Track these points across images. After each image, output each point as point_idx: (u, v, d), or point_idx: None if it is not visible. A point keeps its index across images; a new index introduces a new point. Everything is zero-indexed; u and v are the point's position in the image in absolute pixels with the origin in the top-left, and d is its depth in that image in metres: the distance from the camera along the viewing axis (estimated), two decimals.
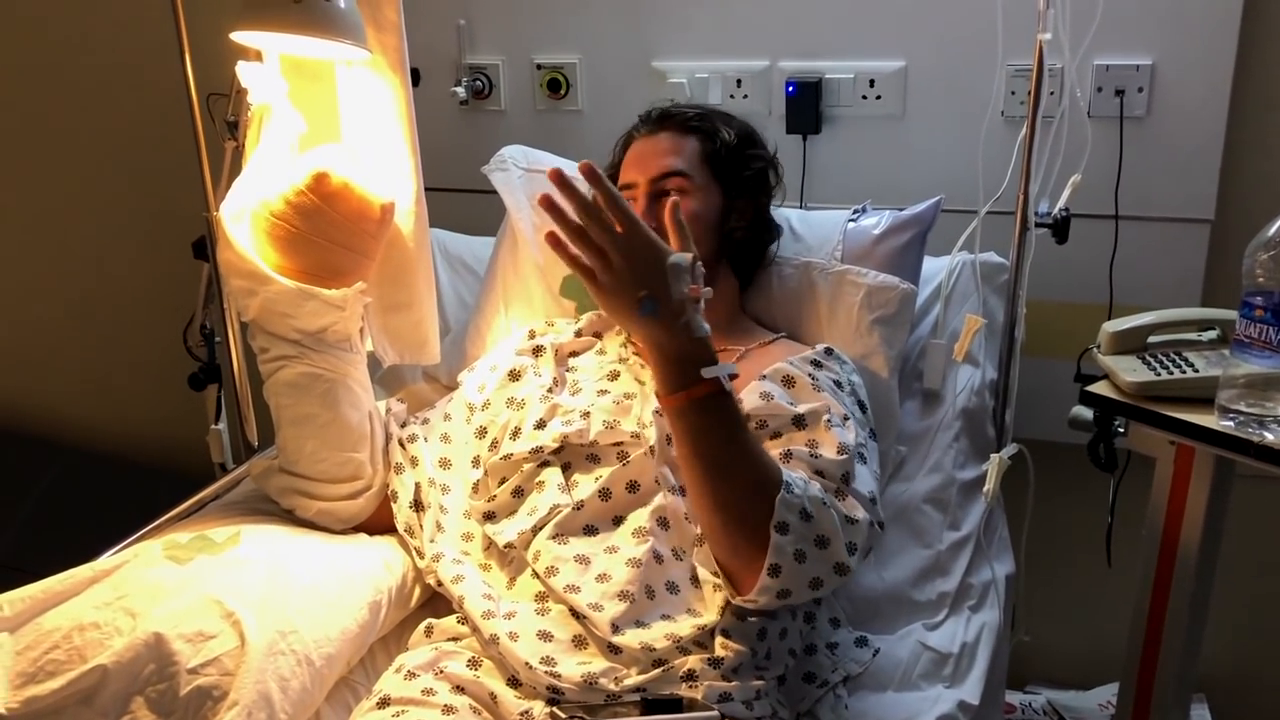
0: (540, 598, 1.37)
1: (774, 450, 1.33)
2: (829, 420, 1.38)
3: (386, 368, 1.75)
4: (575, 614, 1.33)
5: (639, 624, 1.30)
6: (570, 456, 1.49)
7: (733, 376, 1.25)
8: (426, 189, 1.62)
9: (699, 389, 1.22)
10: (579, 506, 1.41)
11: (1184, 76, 1.84)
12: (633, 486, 1.42)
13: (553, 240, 1.25)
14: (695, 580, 1.37)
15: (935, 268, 1.80)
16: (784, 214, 1.80)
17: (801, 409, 1.39)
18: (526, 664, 1.27)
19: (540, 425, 1.51)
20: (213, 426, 1.91)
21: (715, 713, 1.23)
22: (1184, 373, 1.51)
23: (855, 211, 1.79)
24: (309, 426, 1.47)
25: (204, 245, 1.80)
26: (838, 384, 1.48)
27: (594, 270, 1.22)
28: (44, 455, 2.64)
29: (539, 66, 2.15)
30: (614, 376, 1.59)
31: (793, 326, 1.70)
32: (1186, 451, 1.56)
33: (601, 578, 1.34)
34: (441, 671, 1.31)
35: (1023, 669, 2.20)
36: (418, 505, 1.53)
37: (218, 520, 1.47)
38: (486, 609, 1.35)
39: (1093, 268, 1.90)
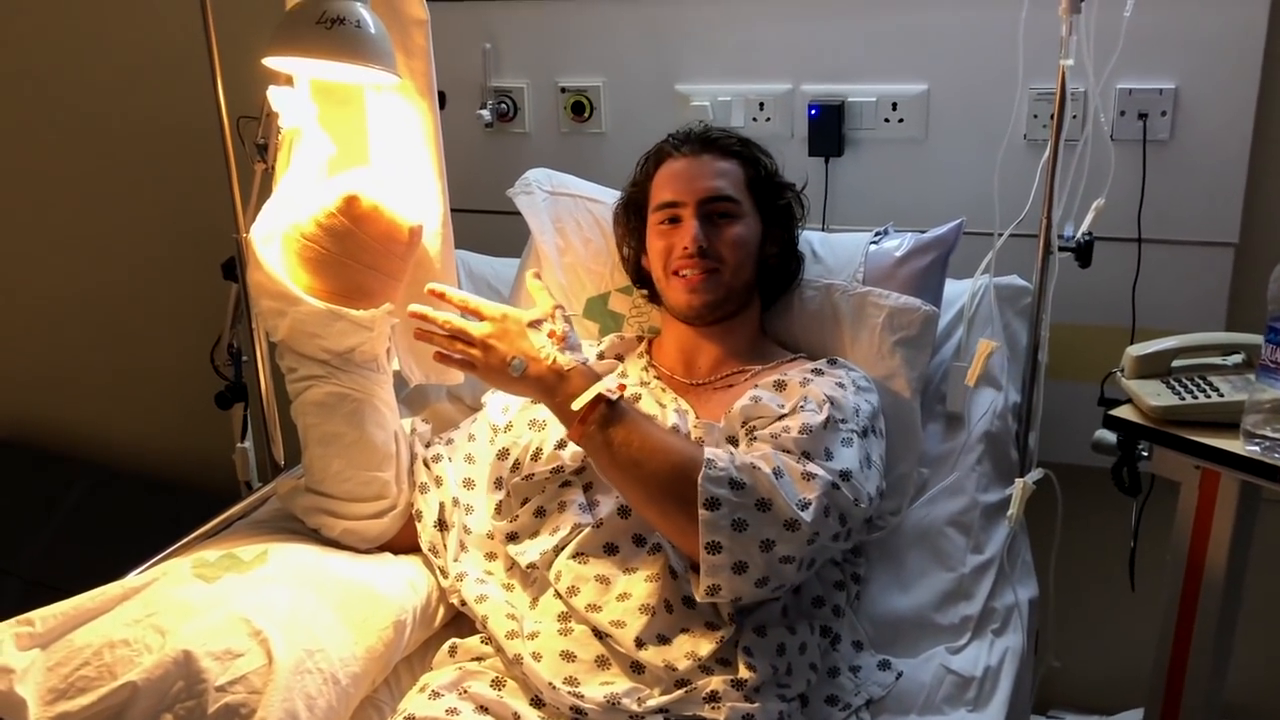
0: (563, 618, 1.37)
1: (754, 447, 1.36)
2: (802, 405, 1.42)
3: (411, 388, 1.77)
4: (598, 634, 1.34)
5: (661, 638, 1.31)
6: (591, 476, 1.50)
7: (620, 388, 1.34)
8: (451, 210, 1.64)
9: (586, 412, 1.31)
10: (599, 525, 1.42)
11: (1207, 100, 1.83)
12: None
13: (424, 338, 1.43)
14: None
15: (958, 291, 1.80)
16: (806, 236, 1.80)
17: (785, 408, 1.42)
18: (550, 684, 1.28)
19: (561, 445, 1.52)
20: (238, 445, 1.93)
21: None
22: (1209, 397, 1.51)
23: (877, 234, 1.80)
24: (335, 446, 1.49)
25: (233, 266, 1.82)
26: (839, 385, 1.49)
27: (469, 361, 1.39)
28: (72, 472, 2.66)
29: (563, 90, 2.17)
30: (635, 400, 1.60)
31: (814, 348, 1.71)
32: (1211, 476, 1.55)
33: (622, 596, 1.35)
34: (465, 691, 1.32)
35: (1047, 693, 2.18)
36: (442, 525, 1.54)
37: (245, 539, 1.48)
38: (510, 629, 1.35)
39: (1116, 291, 1.89)
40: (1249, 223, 1.87)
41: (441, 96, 1.63)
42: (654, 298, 1.74)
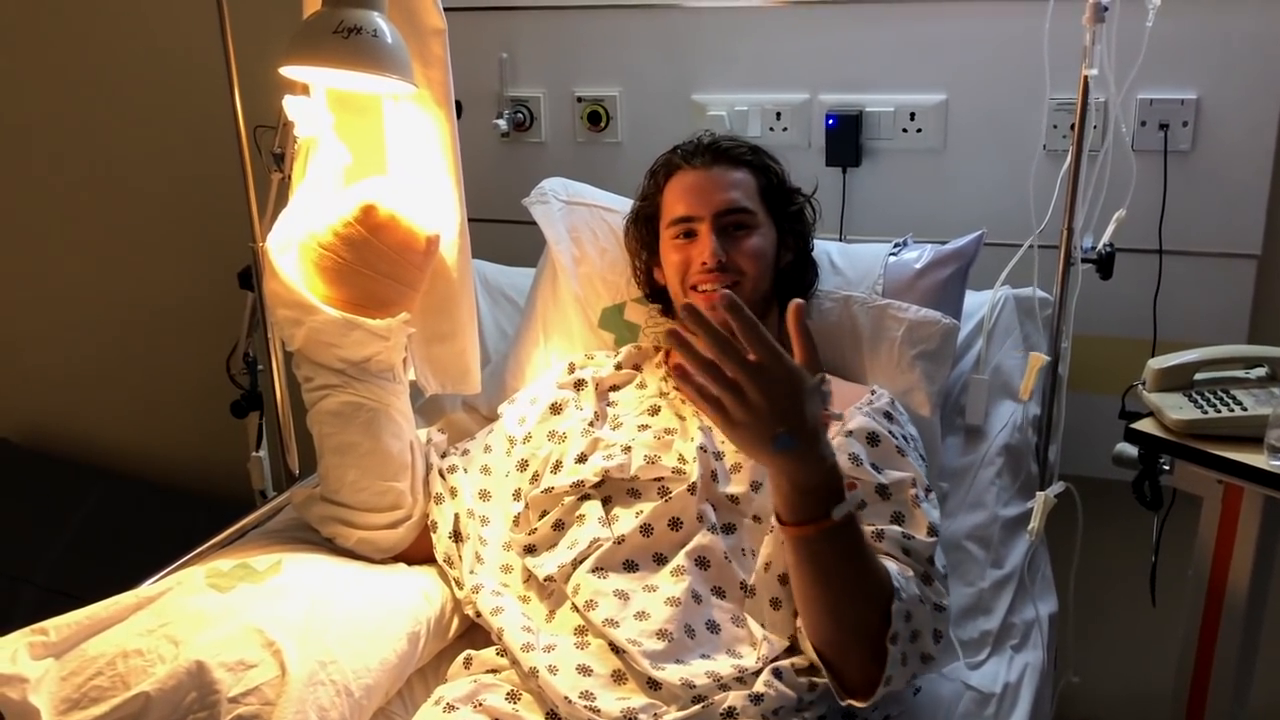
0: (580, 631, 1.36)
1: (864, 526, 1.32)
2: (916, 495, 1.37)
3: (427, 398, 1.76)
4: (615, 649, 1.32)
5: (679, 661, 1.29)
6: (611, 490, 1.49)
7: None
8: (468, 219, 1.63)
9: (828, 522, 1.15)
10: (620, 541, 1.41)
11: (1229, 110, 1.82)
12: (675, 524, 1.42)
13: (679, 372, 1.16)
14: (738, 621, 1.36)
15: (977, 302, 1.79)
16: (824, 247, 1.80)
17: (886, 478, 1.38)
18: (565, 698, 1.26)
19: (581, 459, 1.51)
20: (254, 454, 1.92)
21: None
22: (1231, 411, 1.50)
23: (896, 245, 1.78)
24: (351, 455, 1.49)
25: (249, 275, 1.82)
26: (906, 439, 1.48)
27: (726, 406, 1.10)
28: (88, 480, 2.67)
29: (579, 99, 2.17)
30: (654, 411, 1.59)
31: (833, 360, 1.69)
32: (1234, 491, 1.54)
33: (640, 615, 1.33)
34: (480, 704, 1.31)
35: (1066, 709, 2.16)
36: (457, 536, 1.53)
37: (259, 548, 1.48)
38: (526, 641, 1.34)
39: (1137, 303, 1.88)
40: (1272, 234, 1.85)
41: (458, 106, 1.63)
42: (668, 311, 1.73)
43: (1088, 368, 1.83)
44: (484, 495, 1.58)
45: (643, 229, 1.71)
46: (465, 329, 1.66)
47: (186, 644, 1.22)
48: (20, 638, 1.25)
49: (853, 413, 1.47)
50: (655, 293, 1.74)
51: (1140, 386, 1.60)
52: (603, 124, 2.16)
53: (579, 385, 1.66)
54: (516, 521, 1.54)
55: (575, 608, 1.38)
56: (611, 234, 1.84)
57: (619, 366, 1.71)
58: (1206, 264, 1.88)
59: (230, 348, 1.91)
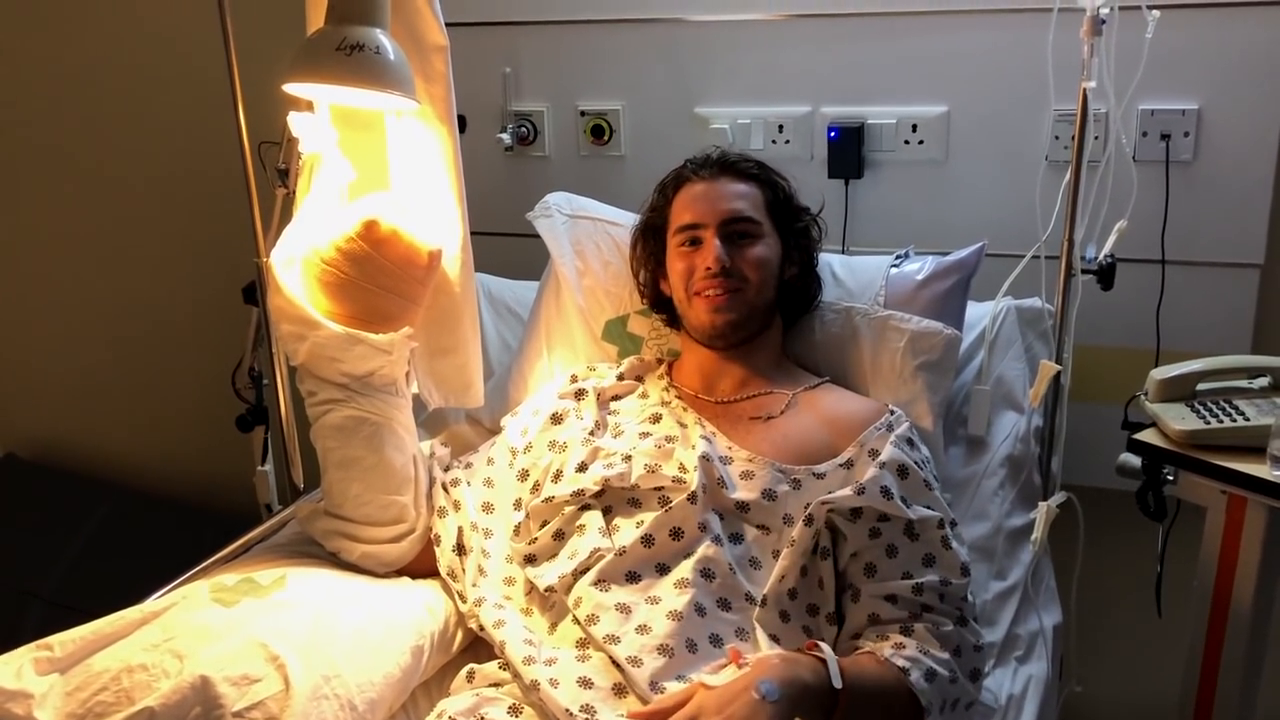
0: (581, 644, 1.36)
1: (895, 584, 1.37)
2: (945, 537, 1.41)
3: (430, 411, 1.77)
4: (616, 661, 1.33)
5: (679, 678, 1.29)
6: (611, 500, 1.50)
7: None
8: (471, 233, 1.64)
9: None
10: (621, 552, 1.41)
11: (1231, 120, 1.82)
12: (676, 533, 1.42)
13: None
14: (741, 634, 1.36)
15: (979, 313, 1.79)
16: (826, 259, 1.80)
17: (915, 514, 1.41)
18: (567, 711, 1.27)
19: (582, 468, 1.52)
20: (259, 468, 1.93)
21: None
22: (1234, 421, 1.49)
23: (898, 257, 1.79)
24: (354, 469, 1.49)
25: (254, 290, 1.83)
26: (922, 463, 1.49)
27: None
28: (94, 494, 2.67)
29: (583, 113, 2.18)
30: (656, 419, 1.59)
31: (836, 371, 1.70)
32: (1238, 501, 1.53)
33: (642, 629, 1.33)
34: (482, 717, 1.31)
35: None
36: (460, 549, 1.53)
37: (264, 562, 1.49)
38: (527, 654, 1.35)
39: (1140, 313, 1.88)
40: (1275, 244, 1.85)
41: (462, 121, 1.64)
42: (672, 322, 1.74)
43: (1091, 378, 1.83)
44: (487, 508, 1.59)
45: (650, 240, 1.72)
46: (468, 342, 1.67)
47: (191, 658, 1.22)
48: (25, 653, 1.25)
49: (869, 434, 1.50)
50: (660, 304, 1.75)
51: (1143, 397, 1.60)
52: (606, 137, 2.17)
53: (580, 395, 1.66)
54: (517, 531, 1.55)
55: (577, 620, 1.38)
56: (615, 247, 1.85)
57: (621, 377, 1.71)
58: (1209, 274, 1.87)
59: (235, 362, 1.92)
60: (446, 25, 1.56)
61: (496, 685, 1.37)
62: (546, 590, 1.44)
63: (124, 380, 2.73)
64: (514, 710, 1.32)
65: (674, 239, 1.66)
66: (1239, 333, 1.87)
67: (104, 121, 2.56)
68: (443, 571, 1.52)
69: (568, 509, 1.50)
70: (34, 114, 2.62)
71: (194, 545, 1.63)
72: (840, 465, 1.48)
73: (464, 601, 1.49)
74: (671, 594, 1.37)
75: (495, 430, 1.75)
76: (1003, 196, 1.93)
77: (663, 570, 1.41)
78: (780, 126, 2.05)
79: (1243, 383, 1.59)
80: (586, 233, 1.88)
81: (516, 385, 1.85)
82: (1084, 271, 1.64)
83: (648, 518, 1.44)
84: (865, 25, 1.98)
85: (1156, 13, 1.52)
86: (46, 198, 2.68)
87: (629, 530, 1.44)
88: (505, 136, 2.18)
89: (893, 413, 1.56)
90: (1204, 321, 1.88)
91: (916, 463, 1.47)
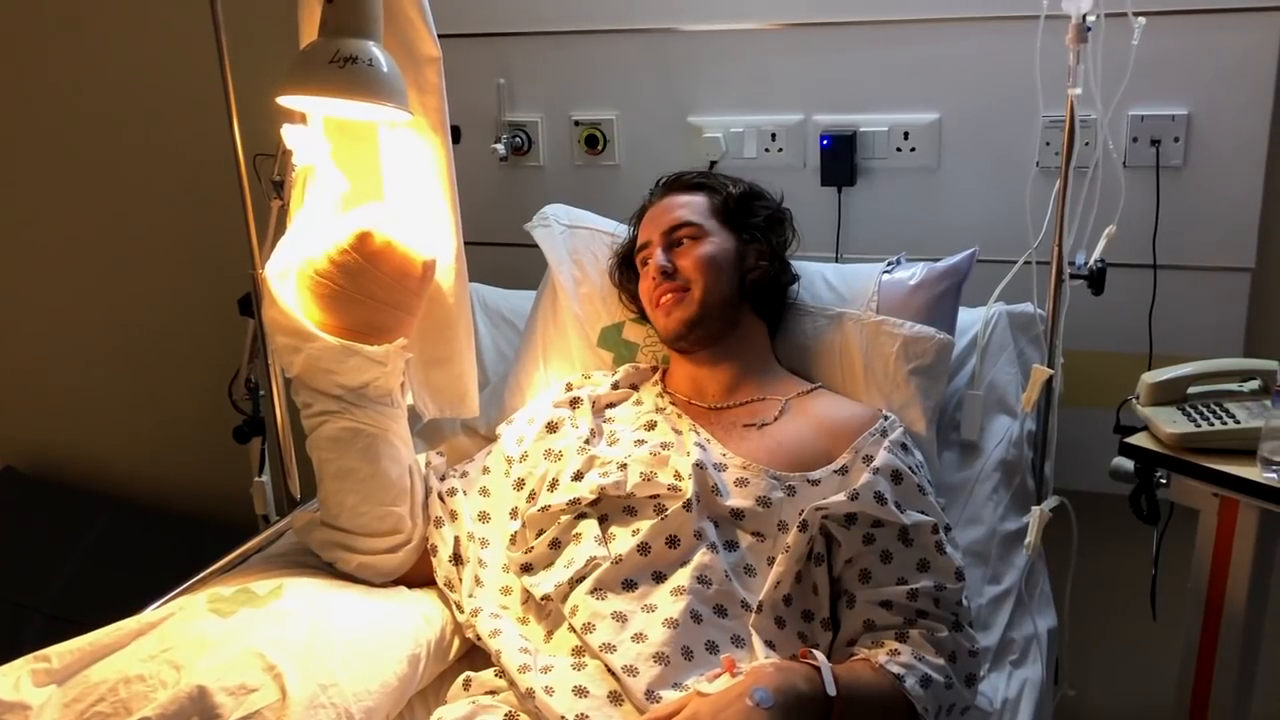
0: (577, 652, 1.37)
1: (890, 590, 1.37)
2: (939, 542, 1.42)
3: (426, 421, 1.77)
4: (612, 669, 1.33)
5: (675, 685, 1.30)
6: (607, 508, 1.50)
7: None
8: (467, 243, 1.65)
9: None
10: (618, 561, 1.41)
11: (1221, 125, 1.83)
12: (672, 541, 1.42)
13: None
14: (737, 641, 1.37)
15: (971, 319, 1.80)
16: (818, 267, 1.81)
17: (909, 519, 1.42)
18: (562, 718, 1.27)
19: (578, 477, 1.53)
20: (256, 479, 1.94)
21: None
22: (1225, 424, 1.50)
23: (890, 264, 1.80)
24: (350, 481, 1.50)
25: (249, 302, 1.83)
26: (916, 469, 1.50)
27: None
28: (92, 506, 2.68)
29: (577, 123, 2.19)
30: (651, 426, 1.60)
31: (828, 377, 1.71)
32: (1230, 504, 1.54)
33: (638, 637, 1.34)
34: None
35: None
36: (457, 559, 1.54)
37: (261, 573, 1.49)
38: (523, 663, 1.35)
39: (1132, 317, 1.89)
40: (1265, 247, 1.86)
41: (456, 131, 1.65)
42: None
43: (1083, 382, 1.83)
44: (483, 517, 1.59)
45: (629, 273, 1.78)
46: (462, 353, 1.68)
47: (188, 669, 1.22)
48: (23, 665, 1.26)
49: (864, 440, 1.51)
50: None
51: (1134, 400, 1.61)
52: (600, 147, 2.18)
53: (575, 403, 1.67)
54: (513, 540, 1.55)
55: (573, 629, 1.39)
56: (611, 255, 1.86)
57: (616, 385, 1.72)
58: (1201, 278, 1.88)
59: (232, 374, 1.93)
60: (440, 37, 1.57)
61: (493, 693, 1.38)
62: (543, 599, 1.45)
63: (121, 392, 2.74)
64: (510, 718, 1.32)
65: (637, 263, 1.72)
66: (1231, 336, 1.88)
67: (99, 134, 2.56)
68: (440, 582, 1.53)
69: (564, 518, 1.50)
70: (29, 126, 2.62)
71: (192, 556, 1.64)
72: (835, 471, 1.49)
73: (461, 612, 1.49)
74: (668, 601, 1.37)
75: (492, 438, 1.75)
76: (994, 203, 1.94)
77: (659, 578, 1.41)
78: (773, 135, 2.06)
79: (1234, 386, 1.59)
80: (584, 242, 1.89)
81: (513, 393, 1.86)
82: (1074, 277, 1.65)
83: (644, 526, 1.44)
84: (857, 34, 1.99)
85: (1142, 20, 1.53)
86: (43, 211, 2.69)
87: (625, 538, 1.45)
88: (500, 147, 2.19)
89: (886, 418, 1.57)
90: (1196, 325, 1.89)
91: (911, 468, 1.47)
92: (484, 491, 1.62)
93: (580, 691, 1.30)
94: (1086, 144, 1.72)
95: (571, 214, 1.94)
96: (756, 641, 1.35)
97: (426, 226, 1.60)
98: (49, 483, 2.79)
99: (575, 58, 2.16)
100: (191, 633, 1.29)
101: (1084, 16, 1.49)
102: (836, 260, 1.99)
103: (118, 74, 2.51)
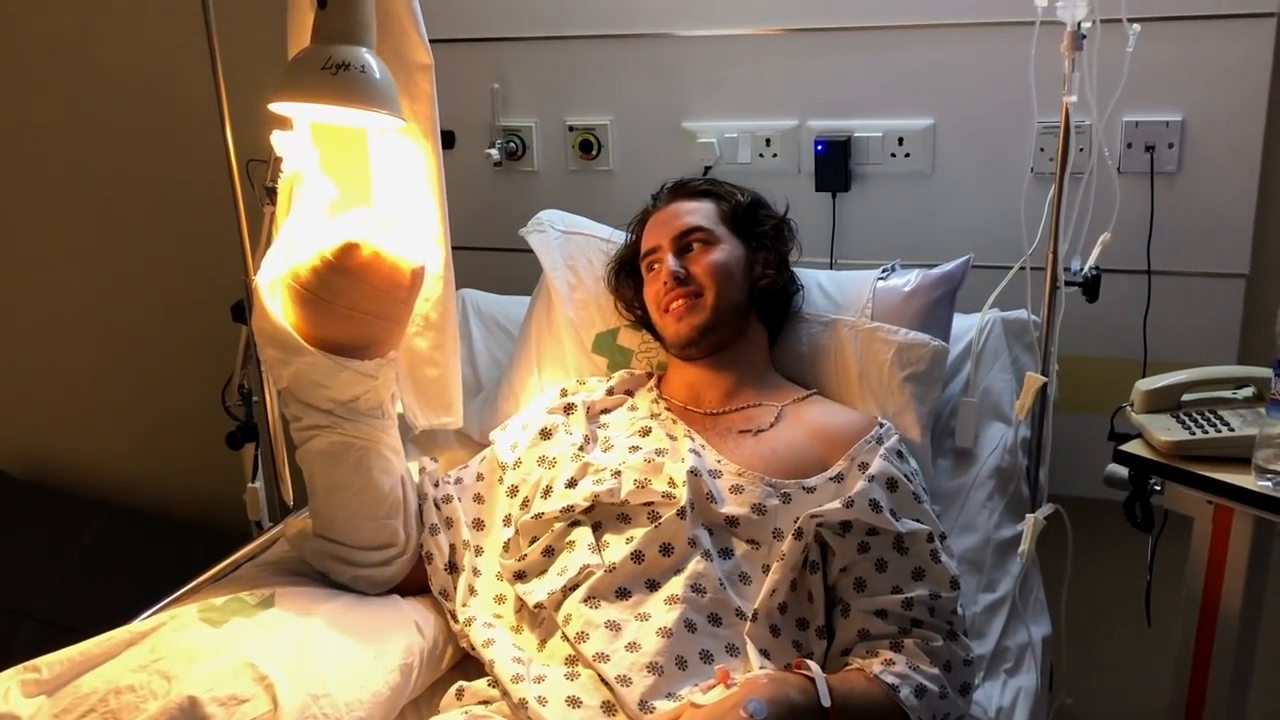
0: (570, 661, 1.37)
1: (885, 599, 1.37)
2: (934, 550, 1.41)
3: (418, 430, 1.76)
4: (606, 680, 1.32)
5: (669, 695, 1.30)
6: (601, 516, 1.50)
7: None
8: (460, 248, 1.65)
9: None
10: (611, 569, 1.41)
11: (1215, 131, 1.83)
12: (666, 549, 1.42)
13: None
14: (732, 650, 1.36)
15: (965, 325, 1.80)
16: (813, 274, 1.81)
17: (904, 527, 1.41)
18: None
19: (571, 484, 1.52)
20: (249, 485, 1.93)
21: None
22: (1219, 432, 1.50)
23: (885, 270, 1.79)
24: (343, 494, 1.48)
25: (242, 308, 1.83)
26: (911, 476, 1.50)
27: None
28: (85, 512, 2.66)
29: (571, 128, 2.18)
30: (645, 432, 1.60)
31: (823, 383, 1.70)
32: (1225, 512, 1.54)
33: (631, 646, 1.33)
34: None
35: None
36: (452, 567, 1.53)
37: (252, 581, 1.48)
38: (516, 672, 1.35)
39: (1127, 323, 1.88)
40: (1259, 253, 1.86)
41: (448, 136, 1.65)
42: (662, 341, 1.76)
43: (1078, 389, 1.83)
44: (478, 524, 1.59)
45: (627, 279, 1.77)
46: (449, 361, 1.67)
47: (179, 679, 1.22)
48: (12, 675, 1.25)
49: (860, 448, 1.51)
50: (650, 327, 1.77)
51: (1129, 408, 1.61)
52: (594, 152, 2.18)
53: (569, 409, 1.67)
54: (507, 547, 1.55)
55: (566, 638, 1.38)
56: (607, 261, 1.86)
57: (611, 391, 1.72)
58: (1195, 284, 1.88)
59: (225, 379, 1.92)
60: (433, 41, 1.57)
61: (486, 703, 1.37)
62: (536, 607, 1.44)
63: (114, 398, 2.73)
64: None
65: (643, 268, 1.71)
66: (1225, 342, 1.88)
67: (92, 140, 2.56)
68: (435, 590, 1.52)
69: (557, 525, 1.50)
70: (20, 133, 2.62)
71: (185, 562, 1.63)
72: (830, 479, 1.49)
73: (456, 621, 1.49)
74: (662, 610, 1.37)
75: (485, 444, 1.74)
76: (989, 209, 1.94)
77: (653, 586, 1.41)
78: (767, 140, 2.06)
79: (1228, 393, 1.59)
80: (579, 248, 1.89)
81: (507, 399, 1.85)
82: (1069, 284, 1.65)
83: (637, 534, 1.44)
84: (851, 39, 1.98)
85: (1137, 27, 1.53)
86: (34, 215, 2.68)
87: (619, 546, 1.44)
88: (494, 152, 2.19)
89: (882, 425, 1.56)
90: (1191, 331, 1.88)
91: (906, 475, 1.47)
92: (478, 498, 1.61)
93: (573, 702, 1.30)
94: (1080, 150, 1.72)
95: (566, 219, 1.93)
96: (751, 650, 1.34)
97: (415, 233, 1.59)
98: (41, 488, 2.78)
99: (570, 63, 2.16)
100: (182, 642, 1.28)
101: (1079, 24, 1.49)
102: (831, 266, 1.99)
103: (110, 79, 2.50)
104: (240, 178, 1.74)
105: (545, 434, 1.63)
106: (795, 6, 2.00)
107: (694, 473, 1.46)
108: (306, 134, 1.58)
